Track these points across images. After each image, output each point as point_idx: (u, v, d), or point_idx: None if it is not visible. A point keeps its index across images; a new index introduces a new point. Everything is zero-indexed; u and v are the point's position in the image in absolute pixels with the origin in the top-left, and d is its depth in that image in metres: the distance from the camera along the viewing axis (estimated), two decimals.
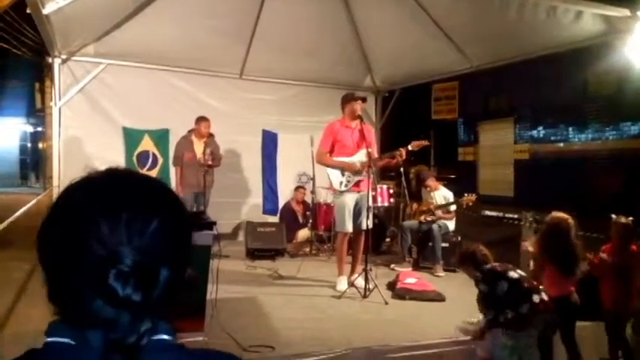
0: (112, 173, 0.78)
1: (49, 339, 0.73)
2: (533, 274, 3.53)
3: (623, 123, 10.43)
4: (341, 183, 5.16)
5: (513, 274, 3.17)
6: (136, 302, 0.69)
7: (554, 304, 3.22)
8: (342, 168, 5.15)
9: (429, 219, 6.37)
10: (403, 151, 5.02)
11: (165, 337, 0.75)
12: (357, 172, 5.08)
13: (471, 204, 6.29)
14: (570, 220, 3.41)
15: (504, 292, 3.12)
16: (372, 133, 5.45)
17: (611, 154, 10.55)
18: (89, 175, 0.77)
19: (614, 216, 3.77)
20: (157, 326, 0.73)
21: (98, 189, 0.75)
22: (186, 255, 0.79)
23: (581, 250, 3.44)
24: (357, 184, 5.13)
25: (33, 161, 25.59)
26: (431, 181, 6.57)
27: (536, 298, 3.05)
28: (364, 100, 5.30)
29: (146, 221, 0.73)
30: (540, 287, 3.25)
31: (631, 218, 3.72)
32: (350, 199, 5.15)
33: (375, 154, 5.29)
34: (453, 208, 6.39)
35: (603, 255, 3.67)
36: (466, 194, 6.32)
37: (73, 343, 0.71)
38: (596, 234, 4.15)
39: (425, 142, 5.14)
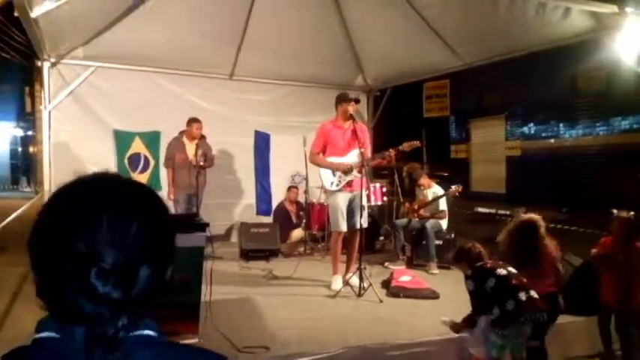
0: (97, 178, 0.83)
1: (37, 335, 0.77)
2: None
3: (613, 118, 10.53)
4: (332, 183, 5.17)
5: (502, 271, 3.19)
6: (115, 299, 0.73)
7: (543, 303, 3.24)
8: (333, 168, 5.16)
9: (424, 215, 6.38)
10: (392, 152, 5.04)
11: (148, 332, 0.79)
12: (347, 172, 5.09)
13: (458, 194, 6.31)
14: (539, 222, 3.42)
15: (492, 288, 3.14)
16: (365, 133, 5.46)
17: (602, 149, 10.65)
18: (76, 179, 0.81)
19: (615, 211, 3.75)
20: (137, 322, 0.77)
21: (82, 192, 0.79)
22: (167, 256, 0.83)
23: (556, 250, 3.44)
24: (350, 183, 5.14)
25: (24, 165, 25.41)
26: (424, 180, 6.58)
27: (522, 296, 3.06)
28: (357, 101, 5.31)
29: (127, 223, 0.77)
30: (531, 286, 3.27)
31: (632, 213, 3.69)
32: (342, 199, 5.16)
33: (369, 154, 5.30)
34: (444, 206, 6.39)
35: (594, 251, 3.69)
36: (452, 186, 6.34)
37: (58, 336, 0.75)
38: (590, 229, 4.17)
39: (416, 143, 5.15)
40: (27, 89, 23.26)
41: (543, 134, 12.32)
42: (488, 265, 3.26)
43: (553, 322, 3.40)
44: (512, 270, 3.29)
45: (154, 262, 0.78)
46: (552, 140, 12.03)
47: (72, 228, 0.74)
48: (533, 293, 3.14)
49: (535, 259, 3.37)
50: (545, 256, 3.40)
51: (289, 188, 7.53)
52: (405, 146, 5.08)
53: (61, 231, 0.75)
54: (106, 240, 0.74)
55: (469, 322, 3.31)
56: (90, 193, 0.79)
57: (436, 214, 6.34)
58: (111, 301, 0.73)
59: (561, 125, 11.83)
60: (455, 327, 3.50)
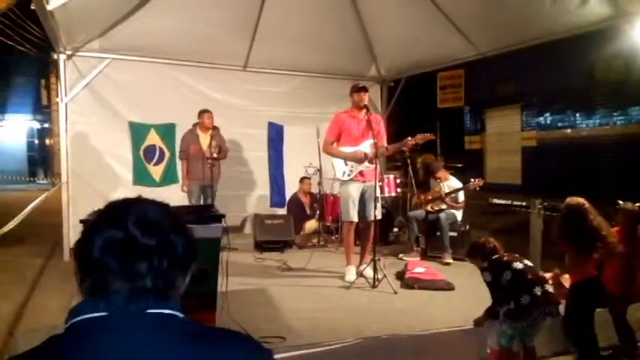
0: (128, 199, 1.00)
1: (73, 320, 0.83)
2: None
3: (631, 108, 10.33)
4: (344, 172, 5.16)
5: (518, 264, 3.18)
6: (152, 248, 0.86)
7: (577, 285, 3.27)
8: (346, 158, 5.14)
9: (436, 208, 6.36)
10: (410, 140, 5.01)
11: (176, 313, 0.86)
12: (360, 161, 5.07)
13: (478, 188, 6.27)
14: (586, 203, 3.40)
15: (507, 281, 3.14)
16: (380, 123, 5.42)
17: (619, 139, 10.46)
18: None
19: (621, 202, 3.77)
20: (167, 296, 0.87)
21: (124, 199, 0.97)
22: (189, 234, 0.96)
23: (607, 228, 3.40)
24: (362, 173, 5.13)
25: (41, 157, 25.78)
26: (441, 173, 6.55)
27: (537, 291, 3.06)
28: (365, 89, 5.25)
29: (153, 207, 0.94)
30: (547, 279, 3.26)
31: (638, 204, 3.72)
32: (354, 189, 5.14)
33: (384, 144, 5.27)
34: (462, 197, 6.36)
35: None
36: (472, 179, 6.30)
37: (95, 315, 0.82)
38: (607, 220, 4.13)
39: (429, 136, 5.11)
40: (43, 82, 23.53)
41: (560, 124, 12.13)
42: (505, 259, 3.24)
43: (592, 308, 3.40)
44: (529, 263, 3.29)
45: (182, 233, 0.92)
46: (569, 130, 11.84)
47: (117, 207, 0.93)
48: (549, 287, 3.14)
49: (586, 238, 3.31)
50: (597, 234, 3.36)
51: (302, 179, 7.54)
52: (419, 138, 5.04)
53: (106, 211, 0.93)
54: (138, 216, 0.89)
55: (490, 314, 3.30)
56: (130, 202, 0.97)
57: (456, 205, 6.32)
58: (149, 250, 0.85)
59: (578, 115, 11.63)
60: (477, 320, 3.49)
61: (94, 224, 0.90)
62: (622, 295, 3.61)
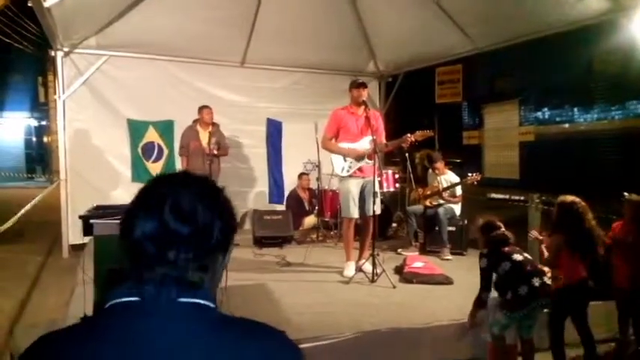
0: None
1: (112, 301, 0.86)
2: (550, 260, 3.49)
3: (629, 102, 10.35)
4: (343, 168, 5.16)
5: (518, 256, 3.21)
6: (184, 236, 0.86)
7: (568, 287, 3.28)
8: (345, 154, 5.15)
9: (434, 203, 6.38)
10: (410, 136, 5.01)
11: (206, 302, 0.88)
12: (359, 158, 5.08)
13: (475, 183, 6.28)
14: (582, 202, 3.40)
15: (506, 272, 3.17)
16: (379, 120, 5.42)
17: (617, 133, 10.49)
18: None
19: (626, 194, 3.76)
20: (199, 283, 0.88)
21: (168, 176, 0.98)
22: (233, 220, 0.97)
23: (599, 231, 3.41)
24: (361, 169, 5.13)
25: (38, 155, 25.72)
26: (440, 164, 6.57)
27: (536, 282, 3.09)
28: (364, 85, 5.25)
29: (201, 187, 0.95)
30: (545, 272, 3.28)
31: None
32: (354, 185, 5.15)
33: (383, 140, 5.27)
34: (459, 191, 6.39)
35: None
36: (470, 174, 6.31)
37: (129, 300, 0.86)
38: (603, 214, 4.14)
39: (429, 133, 5.12)
40: (40, 79, 23.46)
41: (558, 119, 12.16)
42: (506, 249, 3.27)
43: (586, 306, 3.42)
44: (528, 256, 3.31)
45: (220, 216, 0.91)
46: (567, 125, 11.88)
47: (156, 190, 0.92)
48: (547, 279, 3.17)
49: (584, 239, 3.31)
50: (593, 236, 3.34)
51: (300, 175, 7.54)
52: (418, 135, 5.05)
53: (146, 193, 0.92)
54: (174, 201, 0.88)
55: (479, 302, 3.33)
56: (173, 176, 0.97)
57: (453, 200, 6.34)
58: (180, 239, 0.85)
59: (576, 110, 11.66)
60: (470, 318, 3.50)
61: (136, 206, 0.91)
62: (633, 288, 3.60)
